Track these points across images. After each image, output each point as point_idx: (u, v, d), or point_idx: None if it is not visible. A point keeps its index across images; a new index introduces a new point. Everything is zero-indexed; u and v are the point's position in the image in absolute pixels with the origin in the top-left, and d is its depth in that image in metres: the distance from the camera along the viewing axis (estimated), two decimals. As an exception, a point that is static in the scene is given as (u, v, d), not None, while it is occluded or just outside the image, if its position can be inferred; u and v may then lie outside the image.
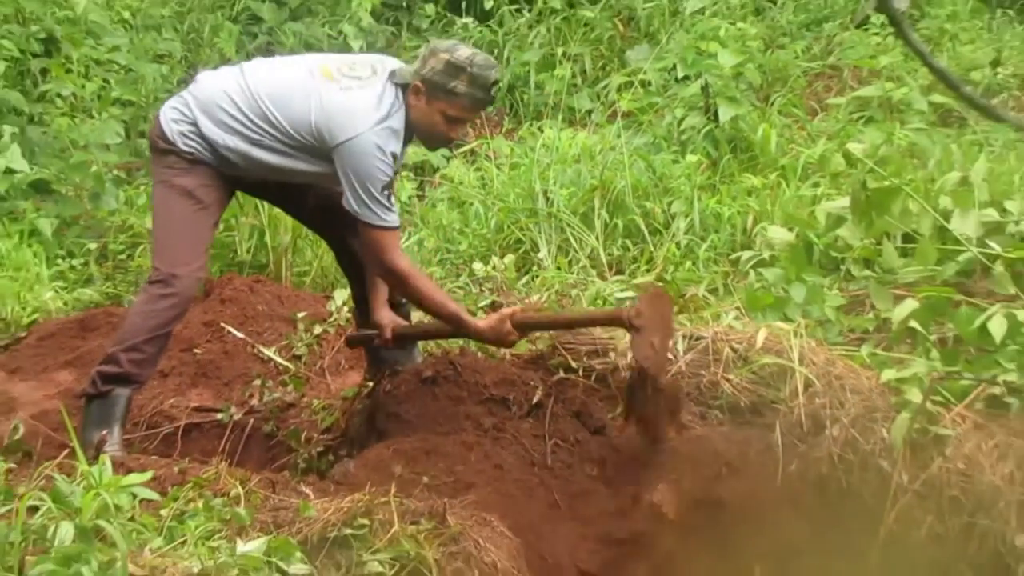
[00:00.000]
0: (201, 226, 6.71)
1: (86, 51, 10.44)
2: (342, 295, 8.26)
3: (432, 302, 6.73)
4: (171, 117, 6.64)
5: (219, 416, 7.19)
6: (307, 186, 6.86)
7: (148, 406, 7.22)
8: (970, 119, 10.78)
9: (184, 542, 5.24)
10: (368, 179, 6.29)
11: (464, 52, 6.37)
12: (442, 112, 6.37)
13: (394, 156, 6.35)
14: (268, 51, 12.02)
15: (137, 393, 6.85)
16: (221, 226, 8.90)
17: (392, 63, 6.58)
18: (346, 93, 6.39)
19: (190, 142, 6.57)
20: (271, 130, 6.46)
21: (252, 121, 6.49)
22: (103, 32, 10.79)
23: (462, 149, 11.09)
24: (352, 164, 6.30)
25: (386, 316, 6.95)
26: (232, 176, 6.68)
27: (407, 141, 6.56)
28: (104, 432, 6.53)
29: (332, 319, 7.89)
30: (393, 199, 6.44)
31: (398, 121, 6.37)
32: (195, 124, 6.57)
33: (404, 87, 6.42)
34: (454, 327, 6.83)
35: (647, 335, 6.55)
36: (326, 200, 6.84)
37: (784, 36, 12.25)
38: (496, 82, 6.44)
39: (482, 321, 6.78)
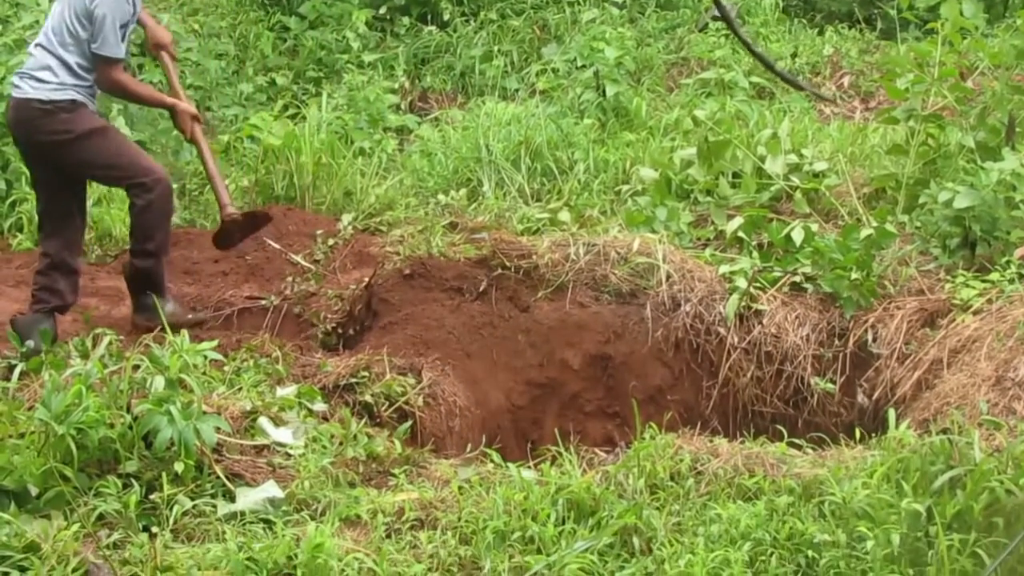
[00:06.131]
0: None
1: (169, 51, 10.29)
2: (348, 218, 8.17)
3: (148, 97, 6.74)
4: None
5: (263, 302, 7.11)
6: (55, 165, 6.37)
7: (214, 296, 7.14)
8: (777, 93, 10.78)
9: (240, 388, 5.22)
10: (113, 15, 6.04)
11: None
12: None
13: (134, 4, 6.21)
14: (294, 51, 11.86)
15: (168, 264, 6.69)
16: (263, 169, 8.81)
17: None
18: None
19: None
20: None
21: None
22: (181, 38, 10.60)
23: (429, 116, 10.94)
24: (104, 7, 6.02)
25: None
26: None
27: None
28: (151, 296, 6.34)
29: (340, 234, 7.80)
30: (126, 41, 6.25)
31: None
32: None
33: None
34: (165, 108, 6.67)
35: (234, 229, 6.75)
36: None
37: (650, 37, 12.12)
38: None
39: (178, 102, 6.58)
